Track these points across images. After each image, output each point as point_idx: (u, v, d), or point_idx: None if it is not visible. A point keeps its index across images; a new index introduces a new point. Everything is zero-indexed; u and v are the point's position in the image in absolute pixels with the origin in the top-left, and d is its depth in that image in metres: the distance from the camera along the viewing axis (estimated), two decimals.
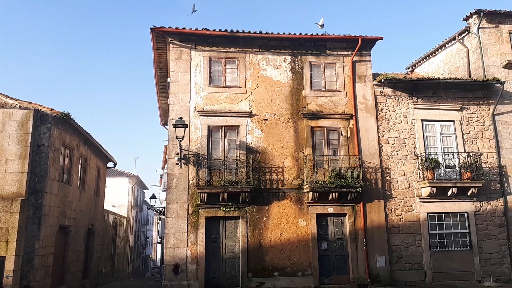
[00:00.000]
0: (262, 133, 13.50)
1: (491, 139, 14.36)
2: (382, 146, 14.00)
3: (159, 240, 29.09)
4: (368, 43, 14.53)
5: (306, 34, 14.02)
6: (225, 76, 13.89)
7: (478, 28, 15.20)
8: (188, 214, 12.69)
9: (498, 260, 13.60)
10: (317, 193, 12.85)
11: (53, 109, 13.21)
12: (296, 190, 13.22)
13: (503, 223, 13.84)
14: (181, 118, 12.36)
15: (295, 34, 13.96)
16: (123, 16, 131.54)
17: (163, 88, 16.66)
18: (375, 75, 14.81)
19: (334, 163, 13.50)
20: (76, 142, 15.83)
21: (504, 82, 14.34)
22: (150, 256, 53.01)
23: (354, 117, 13.99)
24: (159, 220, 32.57)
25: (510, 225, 13.83)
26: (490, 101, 14.62)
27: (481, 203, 13.86)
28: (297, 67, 14.25)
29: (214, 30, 13.66)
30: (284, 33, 13.91)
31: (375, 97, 14.38)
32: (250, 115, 13.55)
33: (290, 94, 13.97)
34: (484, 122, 14.51)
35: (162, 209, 23.09)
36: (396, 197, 13.65)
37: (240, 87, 13.77)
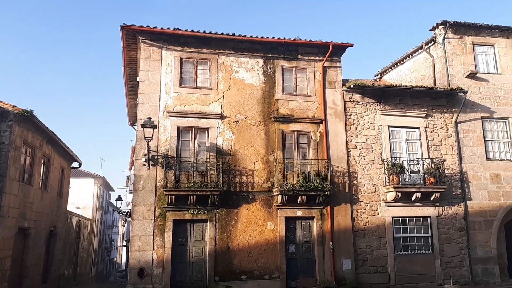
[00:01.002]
0: (233, 136, 13.43)
1: (454, 146, 14.91)
2: (350, 150, 14.25)
3: (125, 243, 28.34)
4: (338, 50, 14.78)
5: (279, 38, 14.10)
6: (197, 77, 13.74)
7: (444, 38, 15.78)
8: (155, 217, 12.43)
9: (458, 263, 14.10)
10: (286, 196, 12.91)
11: (15, 106, 12.65)
12: (266, 193, 13.23)
13: (463, 227, 14.38)
14: (150, 118, 12.11)
15: (267, 37, 14.01)
16: (93, 13, 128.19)
17: (132, 88, 16.29)
18: (344, 81, 15.08)
19: (304, 167, 13.61)
20: (39, 141, 15.21)
21: (466, 92, 14.94)
22: (115, 260, 51.67)
23: (324, 121, 14.17)
24: (125, 223, 31.78)
25: (470, 229, 14.38)
26: (454, 109, 15.19)
27: (443, 207, 14.35)
28: (269, 70, 14.30)
29: (186, 30, 13.49)
30: (256, 36, 13.93)
31: (345, 102, 14.63)
32: (222, 117, 13.46)
33: (262, 97, 13.99)
34: (447, 129, 15.05)
35: (128, 211, 22.54)
36: (363, 201, 13.91)
37: (211, 89, 13.66)
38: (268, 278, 12.67)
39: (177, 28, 13.45)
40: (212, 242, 12.59)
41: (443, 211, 14.34)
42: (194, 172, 12.75)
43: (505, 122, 15.60)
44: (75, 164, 20.93)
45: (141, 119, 12.74)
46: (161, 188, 12.48)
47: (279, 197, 12.97)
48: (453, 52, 15.73)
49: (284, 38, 14.11)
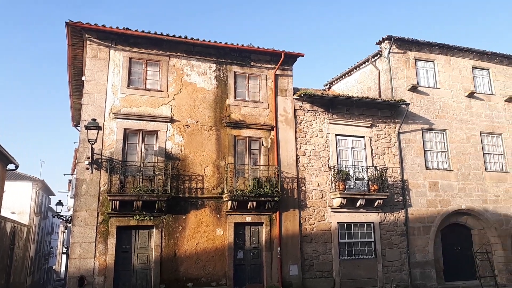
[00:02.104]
0: (183, 140, 13.18)
1: (396, 155, 15.66)
2: (299, 157, 14.50)
3: (65, 250, 26.82)
4: (290, 59, 15.04)
5: (232, 44, 14.09)
6: (146, 79, 13.36)
7: (389, 52, 16.59)
8: (97, 223, 11.86)
9: (398, 267, 14.76)
10: (236, 202, 12.86)
11: None
12: (216, 199, 13.09)
13: (404, 233, 15.09)
14: (94, 119, 11.58)
15: (220, 42, 13.95)
16: (37, 5, 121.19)
17: (77, 87, 15.52)
18: (295, 90, 15.37)
19: (254, 173, 13.64)
20: None
21: (409, 104, 15.78)
22: (54, 268, 48.71)
23: (275, 128, 14.32)
24: (66, 229, 30.11)
25: (409, 234, 15.13)
26: (396, 120, 15.97)
27: (385, 214, 14.98)
28: (222, 75, 14.23)
29: (136, 31, 13.09)
30: (209, 41, 13.82)
31: (295, 110, 14.90)
32: (171, 120, 13.17)
33: (214, 101, 13.88)
34: (390, 139, 15.79)
35: (69, 217, 21.36)
36: (310, 207, 14.18)
37: (161, 91, 13.33)
38: (215, 285, 12.51)
39: (127, 28, 13.02)
40: (158, 249, 12.22)
41: (385, 217, 14.98)
42: (141, 177, 12.34)
43: (443, 133, 16.64)
44: (11, 166, 19.50)
45: (85, 120, 12.14)
46: (105, 193, 11.94)
47: (229, 203, 12.88)
48: (397, 65, 16.58)
49: (237, 44, 14.13)
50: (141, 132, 12.79)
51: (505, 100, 17.86)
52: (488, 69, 18.18)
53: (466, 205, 16.09)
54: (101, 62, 12.94)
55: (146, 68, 13.43)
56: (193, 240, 12.60)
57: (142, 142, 12.78)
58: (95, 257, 11.66)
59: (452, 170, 16.25)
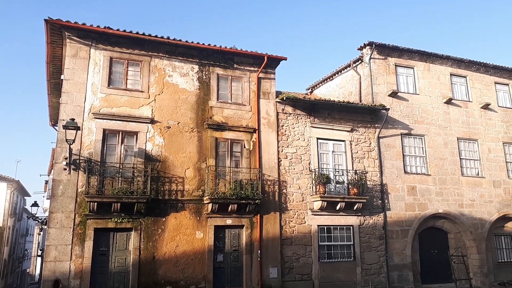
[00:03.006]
0: (163, 141, 13.04)
1: (376, 159, 15.87)
2: (281, 160, 14.53)
3: (40, 252, 26.14)
4: (273, 62, 15.09)
5: (215, 45, 14.05)
6: (127, 79, 13.18)
7: (370, 58, 16.83)
8: (74, 225, 11.60)
9: (377, 270, 14.94)
10: (217, 205, 12.78)
11: None
12: (196, 201, 12.99)
13: (383, 236, 15.29)
14: (73, 119, 11.35)
15: (203, 44, 13.89)
16: (16, 0, 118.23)
17: (56, 86, 15.18)
18: (278, 93, 15.42)
19: (236, 175, 13.60)
20: None
21: (388, 109, 16.03)
22: (28, 271, 47.42)
23: (257, 131, 14.32)
24: (41, 231, 29.33)
25: (388, 238, 15.33)
26: (376, 125, 16.20)
27: (364, 217, 15.15)
28: (204, 77, 14.16)
29: (118, 30, 12.91)
30: (192, 42, 13.75)
31: (277, 113, 14.94)
32: (152, 121, 13.01)
33: (196, 103, 13.79)
34: (370, 143, 16.00)
35: (44, 219, 20.84)
36: (291, 210, 14.22)
37: (142, 92, 13.17)
38: None
39: (108, 27, 12.82)
40: (137, 252, 12.03)
41: (364, 220, 15.14)
42: (120, 178, 12.14)
43: (422, 138, 16.97)
44: None
45: (63, 119, 11.89)
46: (82, 194, 11.70)
47: (210, 205, 12.80)
48: (377, 71, 16.83)
49: (220, 46, 14.09)
50: (120, 132, 12.60)
51: (481, 107, 18.35)
52: (465, 77, 18.65)
53: (443, 209, 16.43)
54: (81, 61, 12.70)
55: (127, 68, 13.25)
56: (173, 243, 12.46)
57: (121, 143, 12.58)
58: (71, 259, 11.40)
59: (430, 175, 16.58)
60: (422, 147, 16.91)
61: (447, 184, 16.77)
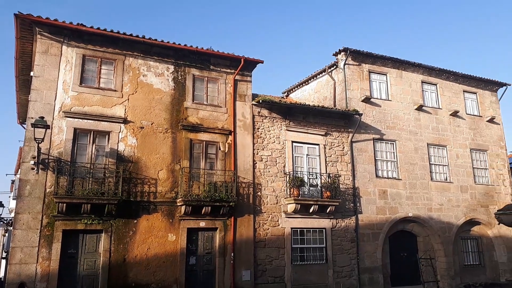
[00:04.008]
0: (136, 142, 12.83)
1: (348, 163, 16.13)
2: (256, 163, 14.56)
3: (4, 255, 25.18)
4: (250, 65, 15.13)
5: (191, 46, 13.96)
6: (100, 77, 12.91)
7: (345, 64, 17.13)
8: (41, 226, 11.24)
9: (348, 273, 15.15)
10: (190, 207, 12.67)
11: None
12: (169, 203, 12.83)
13: (354, 239, 15.53)
14: (42, 117, 11.03)
15: (179, 44, 13.78)
16: None
17: (25, 83, 14.70)
18: (254, 96, 15.47)
19: (210, 177, 13.53)
20: None
21: (361, 114, 16.35)
22: None
23: (232, 133, 14.30)
24: (6, 232, 28.27)
25: (359, 241, 15.59)
26: (350, 130, 16.48)
27: (337, 220, 15.35)
28: (180, 77, 14.04)
29: (91, 27, 12.63)
30: (168, 42, 13.62)
31: (253, 116, 14.98)
32: (125, 121, 12.79)
33: (170, 104, 13.65)
34: (343, 147, 16.25)
35: (10, 220, 20.12)
36: (265, 212, 14.25)
37: (116, 91, 12.93)
38: None
39: (81, 24, 12.54)
40: (107, 254, 11.76)
41: (337, 223, 15.35)
42: (90, 179, 11.85)
43: (393, 144, 17.38)
44: None
45: (32, 117, 11.53)
46: (51, 195, 11.35)
47: (183, 207, 12.68)
48: (352, 77, 17.15)
49: (197, 47, 14.02)
50: (92, 132, 12.32)
51: (450, 114, 18.97)
52: (436, 84, 19.25)
53: (412, 213, 16.85)
54: (52, 58, 12.36)
55: (100, 66, 12.98)
56: (144, 245, 12.26)
57: (93, 143, 12.30)
58: (37, 262, 11.03)
59: (401, 179, 16.99)
60: (394, 152, 17.32)
61: (417, 189, 17.23)
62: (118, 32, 12.89)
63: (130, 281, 11.86)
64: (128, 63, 13.34)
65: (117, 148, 12.49)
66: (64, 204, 11.19)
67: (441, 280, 16.76)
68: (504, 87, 20.83)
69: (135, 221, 12.31)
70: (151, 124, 13.18)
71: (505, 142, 20.28)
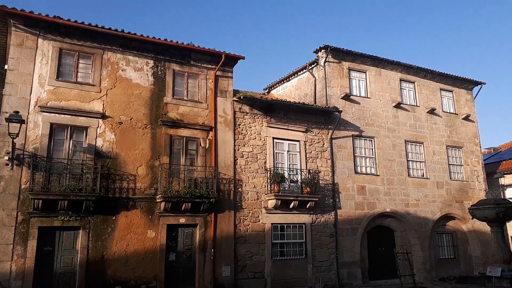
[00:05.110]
0: (115, 137, 12.66)
1: (328, 159, 16.32)
2: (237, 159, 14.58)
3: None
4: (231, 60, 15.10)
5: (171, 41, 13.84)
6: (77, 71, 12.67)
7: (325, 61, 17.27)
8: (16, 223, 11.01)
9: (327, 267, 15.36)
10: (170, 203, 12.60)
11: None
12: (148, 199, 12.73)
13: (333, 234, 15.75)
14: (17, 112, 10.79)
15: (159, 39, 13.65)
16: None
17: None
18: (235, 92, 15.45)
19: (191, 173, 13.48)
20: None
21: (341, 111, 16.54)
22: None
23: (213, 129, 14.27)
24: None
25: (338, 236, 15.82)
26: (330, 126, 16.66)
27: (316, 215, 15.53)
28: (159, 72, 13.91)
29: (68, 20, 12.38)
30: (148, 36, 13.46)
31: (234, 112, 14.97)
32: (103, 116, 12.60)
33: (150, 99, 13.51)
34: (323, 144, 16.43)
35: None
36: (246, 208, 14.30)
37: (94, 85, 12.72)
38: (145, 287, 12.14)
39: (58, 17, 12.27)
40: (84, 251, 11.61)
41: (316, 218, 15.53)
42: (68, 175, 11.65)
43: (371, 140, 17.66)
44: None
45: (6, 112, 11.25)
46: (26, 191, 11.11)
47: (163, 204, 12.60)
48: (332, 74, 17.32)
49: (177, 42, 13.91)
50: (69, 127, 12.09)
51: (427, 112, 19.39)
52: (414, 82, 19.63)
53: (390, 208, 17.19)
54: (27, 51, 12.07)
55: (77, 60, 12.74)
56: (123, 242, 12.14)
57: (70, 138, 12.08)
58: (12, 260, 10.81)
59: (379, 175, 17.29)
60: (372, 149, 17.60)
61: (395, 185, 17.57)
62: (96, 26, 12.67)
63: (108, 278, 11.74)
64: (107, 57, 13.13)
65: (95, 143, 12.31)
66: (40, 201, 10.97)
67: (417, 274, 17.15)
68: (479, 86, 21.39)
69: (114, 218, 12.17)
70: (130, 119, 13.02)
71: (479, 139, 20.88)
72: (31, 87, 11.87)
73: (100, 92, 12.75)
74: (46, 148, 11.62)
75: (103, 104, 12.71)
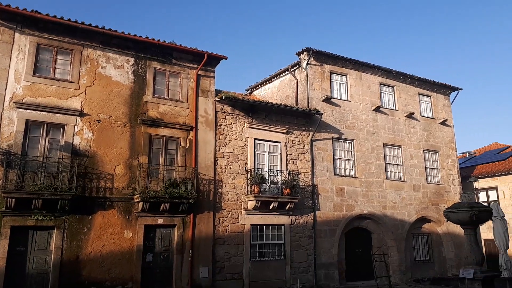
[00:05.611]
0: (93, 136, 12.43)
1: (308, 161, 16.44)
2: (218, 159, 14.52)
3: None
4: (213, 60, 15.04)
5: (153, 39, 13.69)
6: (55, 68, 12.39)
7: (307, 64, 17.40)
8: None
9: (305, 268, 15.47)
10: (148, 204, 12.45)
11: None
12: (126, 199, 12.55)
13: (312, 235, 15.87)
14: None
15: (141, 36, 13.48)
16: None
17: None
18: (217, 92, 15.39)
19: (170, 173, 13.35)
20: None
21: (322, 114, 16.68)
22: None
23: (194, 129, 14.17)
24: None
25: (317, 237, 15.95)
26: (310, 128, 16.78)
27: (295, 217, 15.62)
28: (140, 70, 13.73)
29: (47, 15, 12.10)
30: (129, 33, 13.28)
31: (216, 112, 14.91)
32: (81, 114, 12.36)
33: (130, 97, 13.32)
34: (304, 145, 16.54)
35: None
36: (225, 209, 14.26)
37: (72, 82, 12.46)
38: None
39: (36, 11, 11.97)
40: (59, 252, 11.36)
41: (295, 220, 15.61)
42: (43, 173, 11.37)
43: (351, 143, 17.87)
44: None
45: None
46: None
47: (140, 204, 12.44)
48: (313, 77, 17.45)
49: (159, 40, 13.76)
50: (46, 124, 11.81)
51: (406, 116, 19.76)
52: (393, 87, 19.97)
53: (368, 210, 17.44)
54: (3, 45, 11.74)
55: (56, 56, 12.46)
56: (99, 242, 11.93)
57: (46, 136, 11.80)
58: None
59: (357, 178, 17.52)
60: (351, 151, 17.82)
61: (373, 187, 17.83)
62: (76, 22, 12.42)
63: (83, 279, 11.52)
64: (86, 54, 12.88)
65: (72, 141, 12.06)
66: (13, 199, 10.68)
67: (393, 275, 17.47)
68: (456, 91, 21.94)
69: (90, 218, 11.95)
70: (109, 117, 12.81)
71: (455, 143, 21.41)
72: (6, 83, 11.55)
73: (79, 89, 12.50)
74: (21, 146, 11.32)
75: (82, 102, 12.46)
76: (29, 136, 11.58)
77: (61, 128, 12.02)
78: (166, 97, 14.03)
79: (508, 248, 13.78)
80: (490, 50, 59.62)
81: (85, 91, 12.59)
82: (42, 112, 11.77)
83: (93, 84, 12.78)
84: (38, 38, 12.23)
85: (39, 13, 11.99)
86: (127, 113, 13.13)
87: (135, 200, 12.57)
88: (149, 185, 12.75)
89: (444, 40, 62.88)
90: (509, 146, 27.39)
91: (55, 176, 11.47)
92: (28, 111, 11.60)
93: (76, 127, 12.20)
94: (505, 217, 14.13)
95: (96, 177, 12.23)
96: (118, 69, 13.31)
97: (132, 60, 13.62)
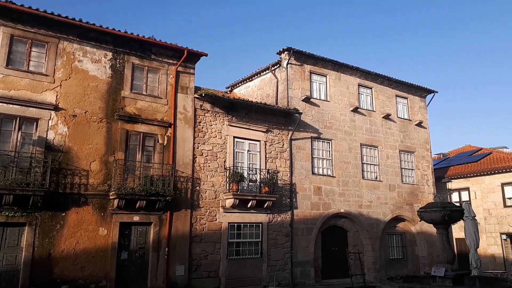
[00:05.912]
0: (68, 131, 12.16)
1: (287, 160, 16.54)
2: (196, 157, 14.43)
3: None
4: (193, 57, 14.92)
5: (132, 33, 13.48)
6: (30, 60, 12.04)
7: (288, 63, 17.48)
8: None
9: (281, 266, 15.57)
10: (124, 201, 12.27)
11: None
12: (101, 196, 12.33)
13: (289, 233, 15.98)
14: None
15: (119, 30, 13.25)
16: None
17: None
18: (197, 89, 15.29)
19: (147, 170, 13.19)
20: None
21: (301, 113, 16.80)
22: None
23: (172, 126, 14.03)
24: None
25: (294, 235, 16.07)
26: (290, 127, 16.88)
27: (273, 215, 15.69)
28: (118, 65, 13.50)
29: (22, 6, 11.73)
30: (107, 27, 13.02)
31: (195, 109, 14.80)
32: (56, 108, 12.06)
33: (107, 92, 13.08)
34: (283, 144, 16.62)
35: None
36: (203, 207, 14.20)
37: (47, 75, 12.14)
38: (94, 286, 11.77)
39: (10, 1, 11.60)
40: (30, 249, 11.06)
41: (273, 218, 15.69)
42: (15, 169, 11.04)
43: (329, 143, 18.07)
44: None
45: None
46: None
47: (116, 201, 12.25)
48: (294, 76, 17.55)
49: (138, 35, 13.56)
50: (18, 118, 11.47)
51: (383, 117, 20.11)
52: (371, 88, 20.28)
53: (344, 209, 17.69)
54: None
55: (30, 48, 12.11)
56: (72, 240, 11.69)
57: (19, 130, 11.46)
58: None
59: (335, 177, 17.74)
60: (329, 151, 18.02)
61: (349, 186, 18.09)
62: (52, 14, 12.10)
63: (55, 277, 11.26)
64: (63, 47, 12.58)
65: (46, 136, 11.76)
66: None
67: (367, 273, 17.78)
68: (432, 94, 22.48)
69: (64, 214, 11.69)
70: (85, 112, 12.55)
71: (430, 145, 21.94)
72: None
73: (54, 82, 12.19)
74: None
75: (57, 96, 12.16)
76: (0, 130, 11.22)
77: (35, 123, 11.70)
78: (144, 93, 13.85)
79: (478, 247, 14.23)
80: (465, 53, 61.33)
81: (61, 85, 12.29)
82: (14, 106, 11.43)
83: (69, 78, 12.49)
84: (12, 29, 11.86)
85: (13, 3, 11.62)
86: (104, 109, 12.89)
87: (111, 197, 12.36)
88: (125, 182, 12.57)
89: (422, 43, 64.29)
90: (481, 148, 28.27)
91: (27, 172, 11.16)
92: (0, 104, 11.23)
93: (50, 121, 11.89)
94: (476, 217, 14.57)
95: (71, 173, 11.97)
96: (95, 63, 13.05)
97: (110, 55, 13.38)
